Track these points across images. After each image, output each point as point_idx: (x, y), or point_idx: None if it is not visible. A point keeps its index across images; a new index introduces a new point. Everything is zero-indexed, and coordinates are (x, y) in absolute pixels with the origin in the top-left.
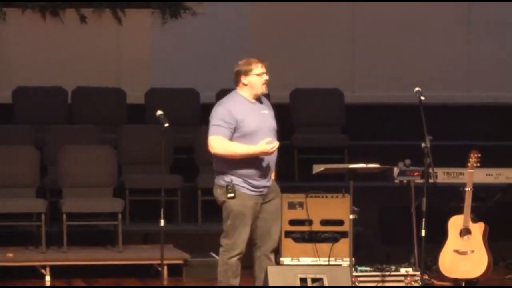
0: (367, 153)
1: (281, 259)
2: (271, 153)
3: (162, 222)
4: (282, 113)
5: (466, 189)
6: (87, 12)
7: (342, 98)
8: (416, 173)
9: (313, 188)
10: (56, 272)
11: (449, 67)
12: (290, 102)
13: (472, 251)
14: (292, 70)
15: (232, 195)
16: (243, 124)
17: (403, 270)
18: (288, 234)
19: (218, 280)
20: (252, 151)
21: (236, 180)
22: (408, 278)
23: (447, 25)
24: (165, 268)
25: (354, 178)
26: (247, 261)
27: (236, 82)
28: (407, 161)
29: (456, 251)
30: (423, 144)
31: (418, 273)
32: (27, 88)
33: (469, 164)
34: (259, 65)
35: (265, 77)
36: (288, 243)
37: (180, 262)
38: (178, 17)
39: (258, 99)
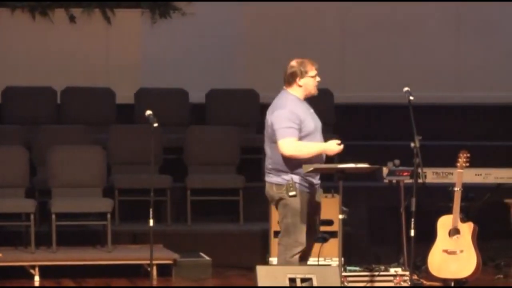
0: (356, 153)
1: (270, 259)
2: (336, 153)
3: (151, 222)
4: None
5: (455, 189)
6: (76, 12)
7: (332, 98)
8: (405, 173)
9: None
10: (45, 272)
11: (438, 67)
12: None
13: (461, 251)
14: (281, 70)
15: (294, 193)
16: (305, 124)
17: (392, 270)
18: (277, 234)
19: None
20: (321, 149)
21: (296, 178)
22: (397, 278)
23: (437, 26)
24: (155, 268)
25: (344, 178)
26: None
27: (289, 82)
28: (397, 161)
29: (445, 251)
30: (412, 144)
31: (407, 273)
32: (17, 88)
33: (458, 164)
34: (314, 67)
35: (318, 79)
36: (277, 243)
37: (170, 262)
38: (167, 17)
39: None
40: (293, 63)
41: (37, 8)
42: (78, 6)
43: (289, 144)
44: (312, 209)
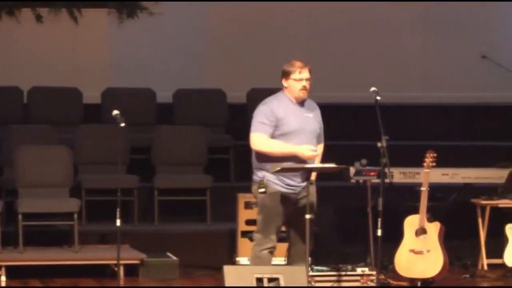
0: (323, 153)
1: (238, 258)
2: (307, 158)
3: (118, 222)
4: (237, 111)
5: (422, 188)
6: (43, 12)
7: None
8: (372, 173)
9: None
10: (12, 272)
11: (405, 67)
12: (247, 101)
13: (428, 251)
14: (248, 71)
15: (263, 190)
16: (283, 122)
17: (359, 270)
18: (244, 234)
19: None
20: (292, 151)
21: (269, 176)
22: (364, 278)
23: (403, 26)
24: (122, 268)
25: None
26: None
27: (282, 82)
28: (363, 161)
29: (412, 251)
30: (379, 144)
31: (374, 272)
32: None
33: (425, 164)
34: (298, 70)
35: (303, 83)
36: (244, 242)
37: (137, 262)
38: (134, 17)
39: (304, 101)
40: (285, 63)
41: (4, 8)
42: (45, 6)
43: (257, 139)
44: (291, 209)
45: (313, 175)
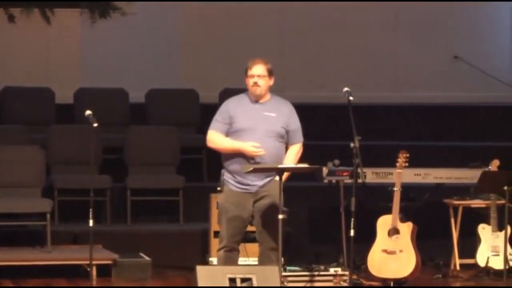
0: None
1: (210, 259)
2: (251, 155)
3: (91, 223)
4: (210, 112)
5: (395, 189)
6: (15, 12)
7: None
8: (345, 173)
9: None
10: None
11: (377, 67)
12: (220, 101)
13: (401, 251)
14: (221, 70)
15: (219, 188)
16: (235, 120)
17: (332, 270)
18: (217, 234)
19: None
20: (237, 147)
21: (226, 176)
22: (337, 278)
23: (376, 25)
24: (94, 268)
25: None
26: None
27: None
28: (336, 161)
29: (385, 251)
30: (352, 144)
31: (347, 272)
32: None
33: (397, 164)
34: (249, 67)
35: (254, 79)
36: (217, 243)
37: (109, 262)
38: (107, 17)
39: (270, 100)
40: None
41: None
42: (17, 5)
43: (209, 136)
44: (257, 212)
45: (284, 175)
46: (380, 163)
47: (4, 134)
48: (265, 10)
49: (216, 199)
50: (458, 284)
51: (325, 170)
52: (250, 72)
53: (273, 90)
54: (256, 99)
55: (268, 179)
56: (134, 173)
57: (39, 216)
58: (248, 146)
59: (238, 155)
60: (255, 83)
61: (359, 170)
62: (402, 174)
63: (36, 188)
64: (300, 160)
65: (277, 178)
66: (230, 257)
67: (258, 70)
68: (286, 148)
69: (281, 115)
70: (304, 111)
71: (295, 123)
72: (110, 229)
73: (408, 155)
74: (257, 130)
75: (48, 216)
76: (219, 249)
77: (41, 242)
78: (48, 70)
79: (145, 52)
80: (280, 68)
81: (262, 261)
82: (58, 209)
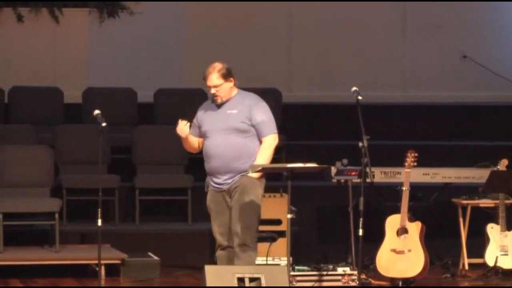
0: (304, 153)
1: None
2: (178, 131)
3: (99, 222)
4: None
5: (403, 188)
6: (24, 11)
7: (279, 97)
8: (353, 173)
9: None
10: None
11: (385, 66)
12: None
13: (409, 251)
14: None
15: (206, 190)
16: (201, 124)
17: (340, 270)
18: None
19: None
20: (182, 140)
21: (208, 177)
22: (346, 278)
23: (384, 25)
24: (103, 268)
25: (292, 178)
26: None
27: None
28: (345, 161)
29: (393, 251)
30: (360, 144)
31: (355, 272)
32: None
33: (406, 164)
34: (207, 78)
35: (212, 91)
36: None
37: (118, 262)
38: (115, 17)
39: (237, 98)
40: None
41: None
42: (25, 5)
43: None
44: (222, 207)
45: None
46: (388, 162)
47: (13, 134)
48: (273, 9)
49: None
50: (466, 284)
51: (333, 170)
52: (206, 83)
53: (282, 89)
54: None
55: (238, 175)
56: (142, 172)
57: (47, 215)
58: (179, 124)
59: (205, 156)
60: (214, 94)
61: (367, 169)
62: (410, 174)
63: (45, 187)
64: (308, 160)
65: (250, 174)
66: (226, 255)
67: (212, 81)
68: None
69: (242, 110)
70: (312, 110)
71: (260, 115)
72: (118, 228)
73: (416, 154)
74: (217, 130)
75: (57, 215)
76: (216, 249)
77: (50, 242)
78: (56, 70)
79: (153, 52)
80: (287, 67)
81: (234, 258)
82: (66, 209)
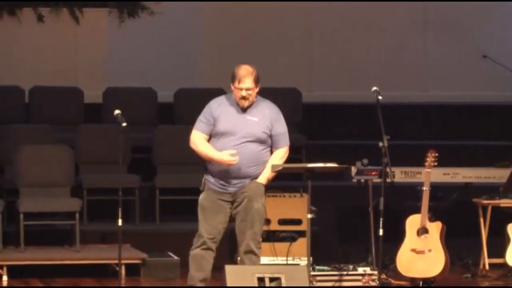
0: (324, 153)
1: (239, 258)
2: (226, 164)
3: (120, 222)
4: None
5: (424, 188)
6: (44, 11)
7: (299, 97)
8: (373, 173)
9: (271, 187)
10: (13, 271)
11: (405, 66)
12: None
13: (430, 250)
14: None
15: (201, 188)
16: (217, 123)
17: (360, 269)
18: None
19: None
20: (212, 156)
21: (207, 175)
22: (366, 277)
23: (404, 25)
24: (123, 267)
25: (312, 178)
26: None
27: None
28: (365, 161)
29: (414, 250)
30: (380, 144)
31: (375, 272)
32: None
33: (426, 164)
34: (238, 80)
35: (243, 93)
36: None
37: (138, 261)
38: (135, 17)
39: (257, 105)
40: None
41: (5, 8)
42: (46, 5)
43: (192, 135)
44: (236, 214)
45: (271, 175)
46: (408, 162)
47: (33, 134)
48: (292, 9)
49: None
50: (486, 284)
51: (353, 170)
52: (238, 85)
53: (302, 89)
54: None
55: (248, 180)
56: (162, 172)
57: (68, 215)
58: (223, 156)
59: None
60: (243, 97)
61: (387, 169)
62: (431, 174)
63: (65, 187)
64: (328, 160)
65: (257, 179)
66: (203, 256)
67: (247, 83)
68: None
69: (263, 120)
70: (332, 110)
71: (279, 128)
72: (138, 228)
73: (437, 154)
74: (236, 134)
75: (77, 215)
76: (194, 248)
77: (70, 242)
78: (76, 70)
79: (173, 51)
80: (308, 67)
81: (241, 262)
82: (86, 209)
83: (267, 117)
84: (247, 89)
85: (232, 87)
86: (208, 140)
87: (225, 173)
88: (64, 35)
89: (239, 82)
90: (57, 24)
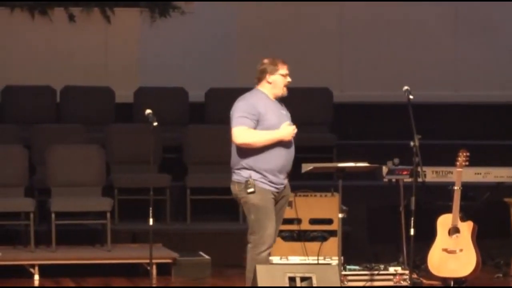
0: (355, 152)
1: (270, 258)
2: (293, 135)
3: (151, 221)
4: None
5: (455, 188)
6: (75, 11)
7: (330, 97)
8: (404, 172)
9: (301, 187)
10: (45, 271)
11: (437, 66)
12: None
13: (461, 250)
14: None
15: (252, 189)
16: (265, 118)
17: (391, 269)
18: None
19: (246, 276)
20: (276, 135)
21: (255, 175)
22: (397, 277)
23: (435, 24)
24: (154, 267)
25: (343, 177)
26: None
27: (259, 79)
28: (396, 160)
29: (445, 250)
30: (411, 143)
31: (407, 272)
32: (16, 87)
33: (457, 163)
34: (285, 66)
35: (288, 79)
36: (277, 242)
37: (169, 261)
38: (166, 16)
39: (278, 100)
40: (265, 60)
41: (37, 7)
42: (77, 5)
43: (239, 132)
44: (278, 207)
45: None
46: (440, 162)
47: (64, 133)
48: (324, 9)
49: None
50: None
51: (385, 169)
52: (286, 72)
53: (333, 88)
54: (272, 97)
55: (286, 178)
56: (193, 172)
57: (99, 215)
58: (286, 129)
59: (271, 153)
60: (288, 83)
61: (419, 169)
62: (462, 173)
63: (97, 187)
64: (359, 159)
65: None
66: (269, 259)
67: (287, 70)
68: None
69: (288, 114)
70: (364, 110)
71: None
72: (169, 228)
73: (468, 154)
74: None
75: (108, 215)
76: (260, 252)
77: (101, 241)
78: (108, 69)
79: (204, 51)
80: (339, 67)
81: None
82: (118, 208)
83: (287, 114)
84: (288, 75)
85: (273, 77)
86: None
87: (282, 167)
88: (95, 34)
89: (283, 68)
90: (89, 24)
